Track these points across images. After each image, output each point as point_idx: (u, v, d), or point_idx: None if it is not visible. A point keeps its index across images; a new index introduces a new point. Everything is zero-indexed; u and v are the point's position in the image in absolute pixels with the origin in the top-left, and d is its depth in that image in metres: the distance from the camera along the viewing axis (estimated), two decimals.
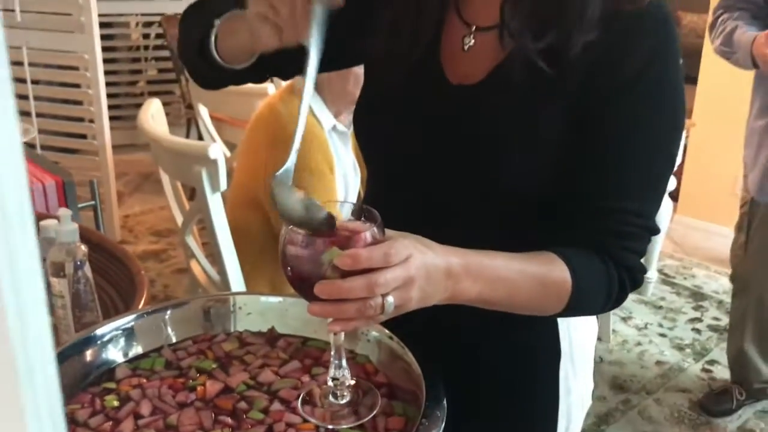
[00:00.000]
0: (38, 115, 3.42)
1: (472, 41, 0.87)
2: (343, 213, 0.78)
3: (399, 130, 0.91)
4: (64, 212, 1.11)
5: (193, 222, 1.84)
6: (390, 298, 0.67)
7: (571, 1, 0.78)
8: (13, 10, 3.06)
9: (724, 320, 2.90)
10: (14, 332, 0.26)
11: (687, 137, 3.56)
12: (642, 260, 0.85)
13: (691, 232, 3.71)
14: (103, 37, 3.39)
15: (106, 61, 3.51)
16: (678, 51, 0.82)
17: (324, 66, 0.79)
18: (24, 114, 3.20)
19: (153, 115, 1.89)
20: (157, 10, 5.11)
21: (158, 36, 5.09)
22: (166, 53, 4.94)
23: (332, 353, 0.78)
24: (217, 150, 1.60)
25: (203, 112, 2.69)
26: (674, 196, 3.53)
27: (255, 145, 1.76)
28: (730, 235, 2.42)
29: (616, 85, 0.80)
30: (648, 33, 0.80)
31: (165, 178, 1.92)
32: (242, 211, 1.81)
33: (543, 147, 0.82)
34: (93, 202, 1.73)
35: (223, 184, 1.60)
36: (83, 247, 1.12)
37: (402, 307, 0.70)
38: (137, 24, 5.33)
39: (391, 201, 0.84)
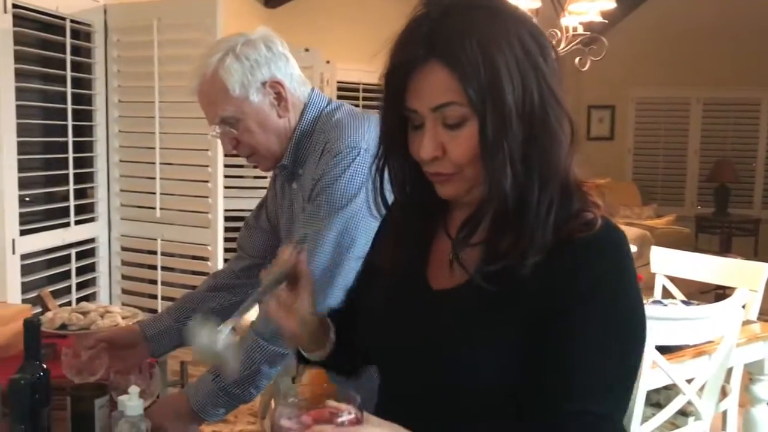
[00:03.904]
0: (163, 298, 3.82)
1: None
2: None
3: (387, 326, 1.03)
4: (134, 389, 1.30)
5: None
6: None
7: (527, 228, 0.90)
8: (153, 208, 3.57)
9: None
10: None
11: None
12: None
13: None
14: (226, 229, 3.82)
15: (227, 250, 3.91)
16: (631, 271, 0.90)
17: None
18: (151, 297, 3.60)
19: None
20: None
21: None
22: None
23: None
24: None
25: None
26: None
27: None
28: None
29: (569, 303, 0.88)
30: (599, 256, 0.90)
31: None
32: None
33: (504, 348, 0.91)
34: (181, 381, 1.94)
35: None
36: (147, 422, 1.29)
37: None
38: None
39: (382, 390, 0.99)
